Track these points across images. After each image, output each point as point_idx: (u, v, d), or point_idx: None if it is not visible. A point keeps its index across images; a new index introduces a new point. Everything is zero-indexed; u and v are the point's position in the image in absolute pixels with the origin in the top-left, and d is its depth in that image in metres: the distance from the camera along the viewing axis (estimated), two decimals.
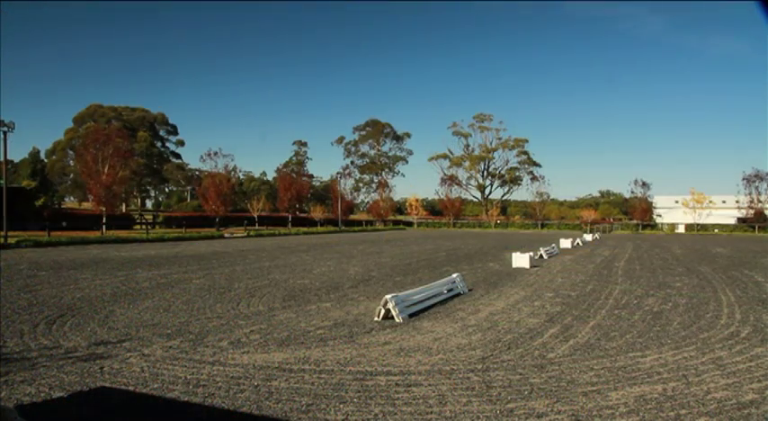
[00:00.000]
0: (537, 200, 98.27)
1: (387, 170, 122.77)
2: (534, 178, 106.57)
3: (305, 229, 68.65)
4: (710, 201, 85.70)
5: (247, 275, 19.27)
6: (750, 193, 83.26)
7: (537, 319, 11.64)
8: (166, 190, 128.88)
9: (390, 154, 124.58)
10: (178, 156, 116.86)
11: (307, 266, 22.99)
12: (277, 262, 25.01)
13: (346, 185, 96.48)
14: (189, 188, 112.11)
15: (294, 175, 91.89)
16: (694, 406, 6.32)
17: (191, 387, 6.83)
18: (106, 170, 49.51)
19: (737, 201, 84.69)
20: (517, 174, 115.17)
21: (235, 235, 53.32)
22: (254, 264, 23.49)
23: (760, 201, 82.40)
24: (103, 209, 49.90)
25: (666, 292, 15.89)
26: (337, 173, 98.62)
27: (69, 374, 7.32)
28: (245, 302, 13.58)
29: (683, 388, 6.98)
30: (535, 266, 23.48)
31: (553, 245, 35.41)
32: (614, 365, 8.05)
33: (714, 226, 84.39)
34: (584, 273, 21.12)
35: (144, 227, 56.66)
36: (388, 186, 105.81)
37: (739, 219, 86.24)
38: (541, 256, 28.56)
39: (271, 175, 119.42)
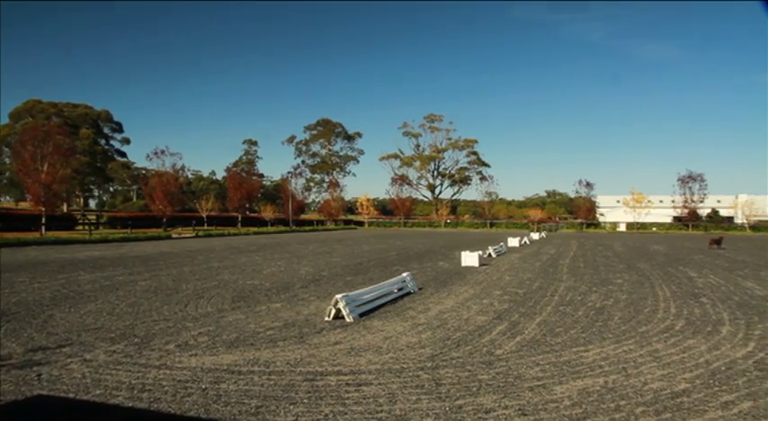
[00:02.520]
0: (486, 199, 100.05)
1: (338, 170, 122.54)
2: (483, 178, 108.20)
3: (255, 229, 67.79)
4: (649, 201, 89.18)
5: (195, 276, 18.89)
6: (684, 194, 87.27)
7: (485, 317, 11.85)
8: (111, 189, 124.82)
9: (342, 153, 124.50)
10: (123, 154, 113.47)
11: (257, 267, 22.72)
12: (226, 262, 24.62)
13: (297, 185, 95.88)
14: (135, 187, 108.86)
15: (244, 175, 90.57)
16: (633, 397, 6.59)
17: (135, 392, 6.66)
18: (45, 168, 47.46)
19: (673, 201, 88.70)
20: (467, 174, 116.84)
21: (183, 235, 52.14)
22: (202, 265, 23.05)
23: (693, 201, 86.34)
24: (43, 209, 47.87)
25: (608, 289, 16.44)
26: (288, 172, 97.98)
27: (3, 383, 7.00)
28: (193, 304, 13.32)
29: (622, 380, 7.26)
30: (484, 265, 23.88)
31: (501, 243, 36.07)
32: (559, 360, 8.29)
33: (652, 224, 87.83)
34: (531, 271, 21.61)
35: (87, 227, 54.61)
36: (339, 186, 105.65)
37: (675, 217, 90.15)
38: (490, 255, 29.03)
39: (220, 175, 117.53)
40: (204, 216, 72.42)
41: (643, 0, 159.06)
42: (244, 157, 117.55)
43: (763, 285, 17.57)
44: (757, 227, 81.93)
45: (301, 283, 17.34)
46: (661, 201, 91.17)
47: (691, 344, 9.39)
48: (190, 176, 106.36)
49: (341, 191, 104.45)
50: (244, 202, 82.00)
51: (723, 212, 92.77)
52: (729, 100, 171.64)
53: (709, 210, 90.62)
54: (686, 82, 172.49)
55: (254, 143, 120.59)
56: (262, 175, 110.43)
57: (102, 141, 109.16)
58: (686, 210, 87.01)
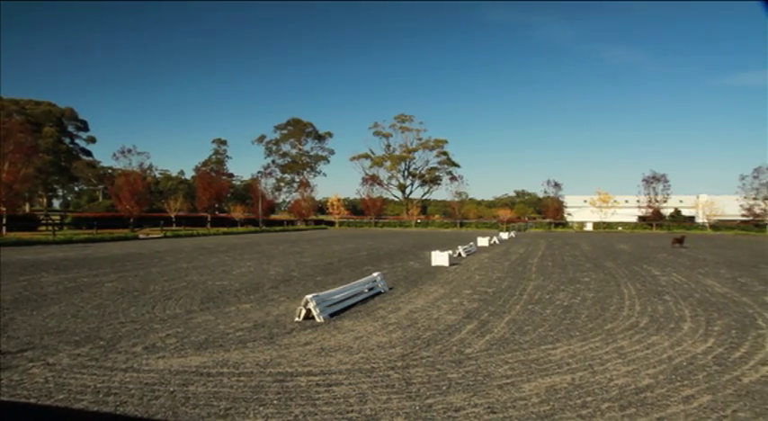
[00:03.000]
0: (456, 199, 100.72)
1: (308, 169, 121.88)
2: (453, 178, 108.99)
3: (225, 230, 66.96)
4: (615, 201, 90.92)
5: (164, 277, 18.62)
6: (649, 194, 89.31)
7: (455, 316, 11.95)
8: (76, 189, 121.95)
9: (312, 153, 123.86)
10: (89, 153, 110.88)
11: (226, 267, 22.49)
12: (195, 263, 24.31)
13: (267, 185, 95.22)
14: (101, 187, 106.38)
15: (213, 174, 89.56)
16: (599, 393, 6.73)
17: (101, 396, 6.55)
18: (6, 167, 46.15)
19: (638, 201, 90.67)
20: (437, 174, 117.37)
21: (150, 236, 51.24)
22: (170, 266, 22.73)
23: (657, 201, 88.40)
24: (3, 209, 46.56)
25: (576, 287, 16.73)
26: (258, 172, 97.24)
27: None
28: (160, 305, 13.13)
29: (589, 377, 7.41)
30: (454, 264, 24.05)
31: (471, 243, 36.36)
32: (527, 358, 8.41)
33: (618, 224, 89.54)
34: (500, 270, 21.85)
35: (50, 228, 53.32)
36: (309, 186, 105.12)
37: (640, 217, 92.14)
38: (460, 254, 29.23)
39: (189, 174, 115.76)
40: (172, 216, 71.31)
41: (612, 1, 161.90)
42: (213, 157, 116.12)
43: (722, 283, 18.08)
44: (717, 226, 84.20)
45: (271, 284, 17.23)
46: (626, 201, 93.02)
47: (654, 341, 9.62)
48: (158, 176, 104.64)
49: (311, 191, 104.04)
50: (213, 202, 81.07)
51: (685, 212, 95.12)
52: (691, 102, 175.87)
53: (672, 210, 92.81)
54: (650, 84, 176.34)
55: (224, 142, 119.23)
56: (231, 175, 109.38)
57: (67, 140, 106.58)
58: (650, 210, 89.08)
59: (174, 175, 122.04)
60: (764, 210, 73.40)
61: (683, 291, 15.88)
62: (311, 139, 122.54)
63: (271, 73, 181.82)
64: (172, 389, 6.78)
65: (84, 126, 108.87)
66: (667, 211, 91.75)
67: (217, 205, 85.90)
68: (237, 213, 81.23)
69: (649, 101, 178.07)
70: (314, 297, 11.50)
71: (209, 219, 77.06)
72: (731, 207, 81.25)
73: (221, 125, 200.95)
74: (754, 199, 74.64)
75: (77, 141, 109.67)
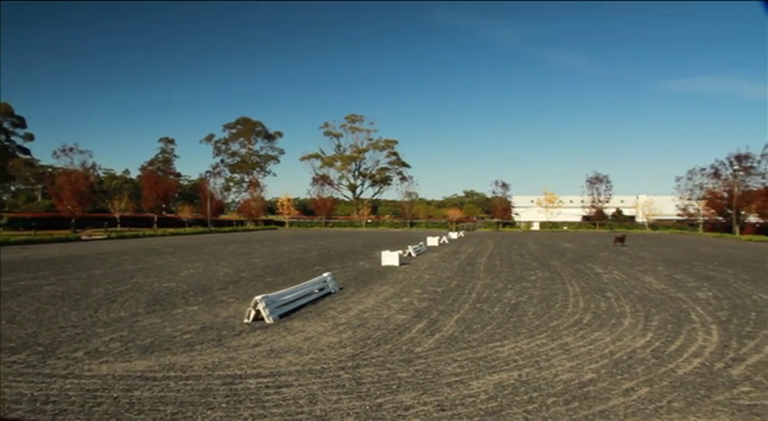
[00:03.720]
0: (406, 199, 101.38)
1: (258, 169, 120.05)
2: (403, 178, 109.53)
3: (172, 230, 65.41)
4: (560, 201, 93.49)
5: (107, 280, 18.04)
6: (592, 194, 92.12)
7: (405, 315, 12.05)
8: (12, 188, 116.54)
9: (262, 153, 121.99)
10: (26, 151, 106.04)
11: (173, 269, 21.99)
12: (141, 265, 23.66)
13: (216, 184, 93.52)
14: (40, 187, 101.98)
15: (160, 174, 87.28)
16: (544, 388, 6.92)
17: (38, 404, 6.30)
18: None
19: (582, 201, 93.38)
20: (387, 174, 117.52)
21: (94, 237, 49.54)
22: (115, 268, 22.05)
23: (600, 201, 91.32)
24: None
25: (523, 285, 17.12)
26: (207, 171, 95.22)
27: None
28: (104, 309, 12.73)
29: (535, 373, 7.61)
30: (404, 264, 24.22)
31: (421, 243, 36.69)
32: (476, 356, 8.57)
33: (563, 223, 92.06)
34: (449, 270, 22.13)
35: None
36: (259, 186, 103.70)
37: (584, 216, 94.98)
38: (410, 254, 29.45)
39: (135, 174, 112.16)
40: (117, 217, 69.25)
41: (559, 0, 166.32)
42: (160, 156, 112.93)
43: (660, 280, 18.85)
44: (655, 225, 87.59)
45: (220, 285, 16.95)
46: (571, 201, 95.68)
47: (597, 337, 9.96)
48: (101, 175, 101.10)
49: (261, 191, 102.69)
50: (160, 203, 79.11)
51: (626, 212, 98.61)
52: (631, 106, 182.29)
53: (613, 210, 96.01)
54: (592, 88, 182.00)
55: (171, 141, 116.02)
56: (179, 175, 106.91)
57: (2, 137, 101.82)
58: (594, 210, 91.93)
59: (118, 175, 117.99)
60: (697, 210, 76.68)
61: (624, 288, 16.48)
62: (261, 139, 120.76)
63: (219, 71, 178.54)
64: (115, 395, 6.59)
65: (21, 122, 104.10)
66: (609, 211, 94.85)
67: (164, 205, 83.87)
68: (185, 214, 79.50)
69: (592, 104, 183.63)
70: (263, 298, 11.39)
71: (155, 220, 75.09)
72: (668, 207, 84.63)
73: (168, 123, 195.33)
74: (689, 199, 77.88)
75: (13, 138, 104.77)
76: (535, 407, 6.27)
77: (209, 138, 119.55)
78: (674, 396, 6.67)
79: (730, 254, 33.59)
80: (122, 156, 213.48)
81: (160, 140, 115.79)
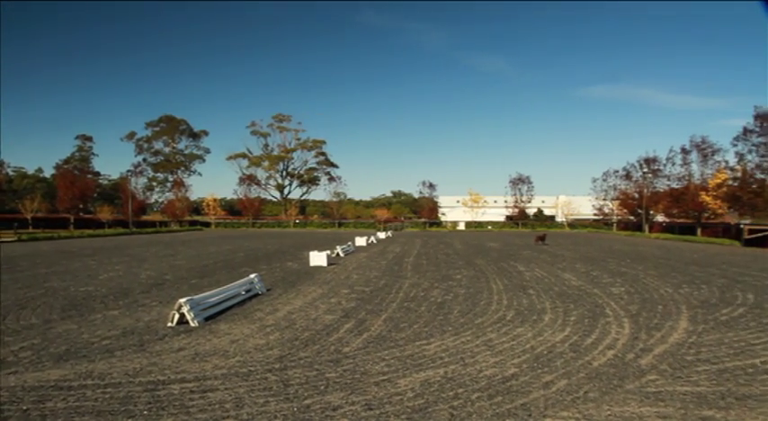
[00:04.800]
0: (334, 199, 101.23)
1: (183, 169, 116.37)
2: (332, 178, 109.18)
3: (90, 232, 62.26)
4: (485, 201, 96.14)
5: (17, 285, 17.00)
6: (515, 194, 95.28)
7: (333, 316, 12.05)
8: None
9: (187, 152, 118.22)
10: None
11: (92, 272, 20.99)
12: (56, 268, 22.43)
13: (138, 184, 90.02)
14: None
15: (77, 173, 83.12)
16: (469, 384, 7.12)
17: None
18: None
19: (506, 201, 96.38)
20: (315, 174, 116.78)
21: (2, 239, 46.53)
22: (26, 272, 20.80)
23: (522, 201, 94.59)
24: None
25: (449, 284, 17.48)
26: (128, 171, 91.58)
27: None
28: (13, 316, 11.99)
29: (460, 369, 7.82)
30: (332, 264, 24.19)
31: (349, 243, 36.75)
32: (403, 354, 8.69)
33: (488, 223, 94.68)
34: (377, 269, 22.29)
35: None
36: (184, 185, 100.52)
37: (507, 216, 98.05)
38: (338, 254, 29.45)
39: (49, 172, 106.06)
40: (29, 217, 65.37)
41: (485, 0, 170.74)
42: (77, 154, 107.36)
43: (577, 276, 19.75)
44: (573, 224, 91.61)
45: (142, 288, 16.34)
46: (495, 201, 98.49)
47: (519, 333, 10.33)
48: (11, 173, 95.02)
49: (186, 191, 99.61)
50: (77, 203, 75.36)
51: (547, 211, 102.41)
52: (550, 110, 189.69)
53: (535, 210, 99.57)
54: (514, 91, 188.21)
55: (89, 139, 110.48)
56: (98, 174, 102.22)
57: None
58: (516, 210, 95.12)
59: (30, 173, 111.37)
60: (612, 210, 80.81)
61: (545, 285, 17.15)
62: (185, 137, 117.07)
63: (140, 67, 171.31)
64: (25, 408, 6.25)
65: None
66: (531, 211, 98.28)
67: (81, 206, 79.83)
68: (105, 214, 76.04)
69: (515, 106, 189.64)
70: (188, 300, 11.10)
71: (72, 221, 71.42)
72: (585, 207, 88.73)
73: (86, 120, 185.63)
74: (604, 199, 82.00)
75: None
76: (460, 402, 6.44)
77: (131, 135, 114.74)
78: (589, 386, 7.04)
79: (640, 251, 35.59)
80: (35, 155, 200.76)
81: (77, 138, 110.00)
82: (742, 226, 48.07)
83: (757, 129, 46.57)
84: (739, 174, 50.06)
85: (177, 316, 10.99)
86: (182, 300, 11.06)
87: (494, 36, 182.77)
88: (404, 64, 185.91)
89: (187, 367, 7.93)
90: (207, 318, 11.47)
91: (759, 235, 44.44)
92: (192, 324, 10.89)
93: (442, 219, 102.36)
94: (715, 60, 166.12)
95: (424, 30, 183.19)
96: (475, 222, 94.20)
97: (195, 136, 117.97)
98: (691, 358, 8.58)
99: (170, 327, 10.73)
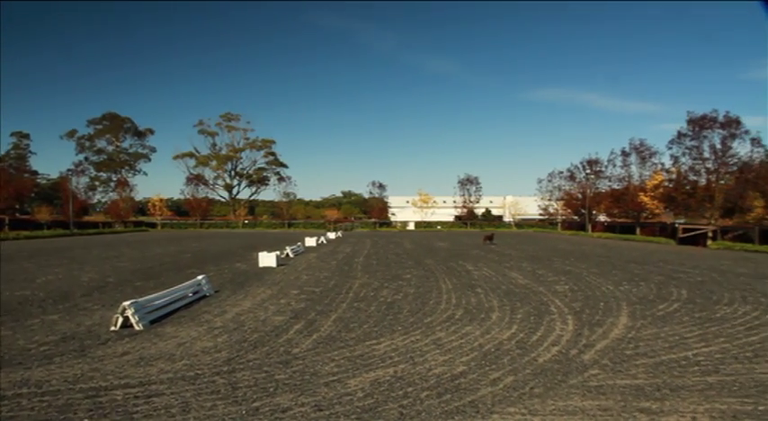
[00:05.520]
0: (284, 200, 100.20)
1: (127, 168, 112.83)
2: (281, 178, 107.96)
3: (27, 233, 59.58)
4: (434, 202, 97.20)
5: None
6: (464, 195, 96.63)
7: (283, 317, 11.96)
8: None
9: (131, 151, 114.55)
10: None
11: (28, 275, 20.12)
12: None
13: (79, 184, 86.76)
14: None
15: (12, 171, 79.42)
16: (419, 383, 7.20)
17: None
18: None
19: (455, 201, 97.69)
20: (265, 174, 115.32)
21: None
22: None
23: (470, 201, 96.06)
24: None
25: (399, 284, 17.60)
26: (68, 170, 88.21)
27: None
28: None
29: (410, 368, 7.89)
30: (282, 265, 23.99)
31: (299, 243, 36.49)
32: (353, 354, 8.71)
33: (437, 223, 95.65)
34: (327, 270, 22.23)
35: None
36: (128, 185, 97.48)
37: (456, 216, 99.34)
38: (288, 255, 29.23)
39: None
40: None
41: None
42: (12, 152, 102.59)
43: (524, 275, 20.21)
44: (520, 224, 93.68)
45: (83, 292, 15.78)
46: (444, 202, 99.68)
47: (468, 331, 10.50)
48: None
49: (131, 190, 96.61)
50: (12, 203, 71.94)
51: (495, 211, 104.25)
52: (497, 111, 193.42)
53: (483, 210, 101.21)
54: (462, 93, 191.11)
55: (26, 136, 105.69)
56: (36, 173, 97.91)
57: None
58: (465, 210, 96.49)
59: None
60: (556, 210, 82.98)
61: (492, 284, 17.48)
62: (130, 136, 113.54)
63: (82, 63, 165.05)
64: None
65: None
66: (480, 211, 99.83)
67: (17, 206, 76.36)
68: (43, 215, 72.90)
69: (464, 108, 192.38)
70: (132, 303, 10.80)
71: (6, 222, 68.21)
72: (531, 207, 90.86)
73: (22, 117, 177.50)
74: (549, 200, 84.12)
75: None
76: (410, 401, 6.51)
77: (72, 134, 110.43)
78: (535, 382, 7.23)
79: (584, 250, 36.71)
80: None
81: (12, 135, 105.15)
82: (677, 225, 50.27)
83: (690, 134, 48.68)
84: (674, 176, 52.15)
85: (121, 319, 10.68)
86: (126, 303, 10.75)
87: (442, 38, 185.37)
88: (353, 64, 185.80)
89: (131, 372, 7.72)
90: (152, 321, 11.19)
91: (692, 234, 46.58)
92: (136, 327, 10.60)
93: (392, 219, 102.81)
94: (653, 67, 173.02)
95: (373, 30, 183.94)
96: (424, 222, 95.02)
97: (140, 134, 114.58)
98: (630, 352, 8.92)
99: (113, 332, 10.42)
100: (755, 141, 46.11)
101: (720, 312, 12.72)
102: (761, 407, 6.37)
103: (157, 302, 12.03)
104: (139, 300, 11.36)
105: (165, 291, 13.14)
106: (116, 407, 6.29)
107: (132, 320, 10.66)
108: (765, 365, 8.21)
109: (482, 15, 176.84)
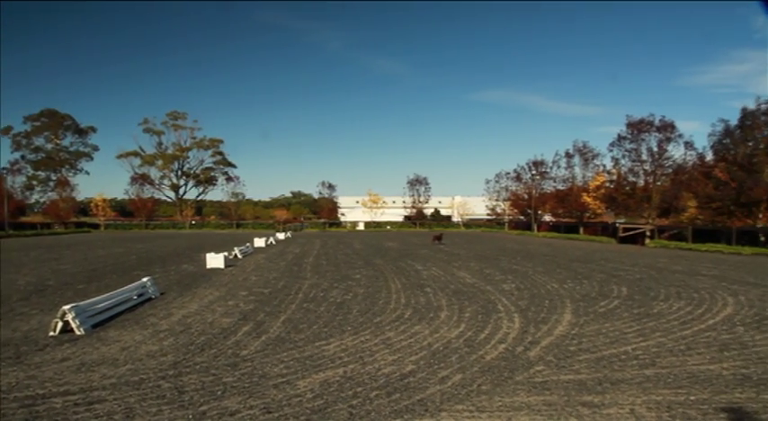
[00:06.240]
0: (232, 200, 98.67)
1: (68, 167, 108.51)
2: (229, 178, 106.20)
3: None
4: (384, 202, 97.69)
5: None
6: (413, 195, 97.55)
7: (231, 319, 11.80)
8: None
9: (72, 149, 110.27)
10: None
11: None
12: None
13: (15, 183, 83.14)
14: None
15: None
16: (368, 382, 7.24)
17: None
18: None
19: (404, 202, 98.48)
20: (212, 174, 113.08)
21: None
22: None
23: (420, 202, 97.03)
24: None
25: (348, 284, 17.61)
26: (3, 168, 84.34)
27: None
28: None
29: (359, 368, 7.92)
30: (230, 266, 23.63)
31: (248, 244, 36.01)
32: (302, 355, 8.68)
33: (387, 223, 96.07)
34: (276, 271, 22.02)
35: None
36: (69, 185, 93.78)
37: (405, 216, 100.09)
38: (236, 256, 28.82)
39: None
40: None
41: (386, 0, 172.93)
42: None
43: (472, 274, 20.56)
44: (468, 224, 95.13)
45: (20, 296, 15.12)
46: (394, 202, 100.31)
47: (417, 330, 10.61)
48: None
49: (71, 190, 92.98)
50: None
51: (443, 212, 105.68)
52: (445, 112, 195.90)
53: (432, 210, 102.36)
54: (411, 94, 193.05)
55: None
56: None
57: None
58: (414, 210, 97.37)
59: None
60: (503, 210, 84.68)
61: (441, 283, 17.70)
62: (71, 134, 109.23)
63: (19, 57, 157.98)
64: None
65: None
66: (429, 211, 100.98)
67: None
68: None
69: (412, 109, 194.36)
70: (73, 307, 10.44)
71: None
72: (479, 207, 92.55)
73: None
74: (496, 200, 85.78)
75: None
76: (359, 401, 6.54)
77: (7, 130, 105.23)
78: (482, 380, 7.38)
79: (530, 249, 37.58)
80: None
81: None
82: (617, 225, 52.05)
83: (629, 137, 50.57)
84: (615, 177, 54.05)
85: (61, 324, 10.31)
86: (66, 307, 10.38)
87: (391, 39, 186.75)
88: (302, 63, 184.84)
89: (71, 378, 7.47)
90: (95, 326, 10.85)
91: (631, 233, 48.34)
92: (77, 332, 10.25)
93: (342, 219, 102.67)
94: (595, 70, 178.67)
95: (322, 30, 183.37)
96: (374, 222, 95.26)
97: (81, 132, 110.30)
98: (573, 348, 9.22)
99: (52, 337, 10.04)
100: (688, 145, 48.41)
101: (657, 308, 13.28)
102: (692, 397, 6.70)
103: (100, 306, 11.66)
104: (81, 303, 10.99)
105: (108, 294, 12.75)
106: (54, 415, 6.07)
107: (73, 325, 10.30)
108: (697, 358, 8.64)
109: (430, 17, 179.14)
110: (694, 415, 6.15)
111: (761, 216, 40.71)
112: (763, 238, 37.92)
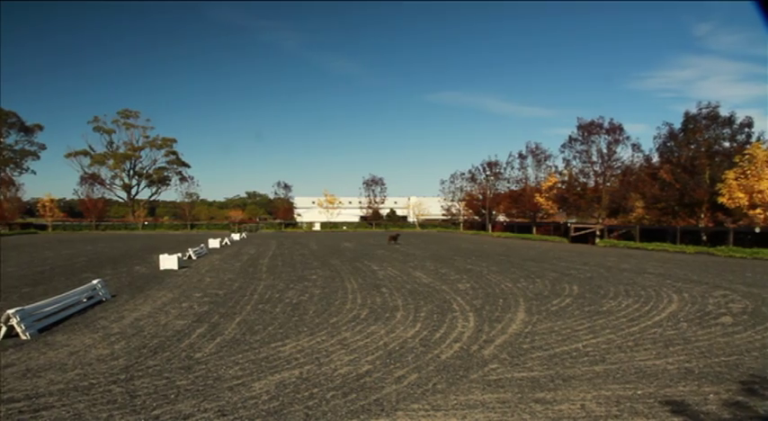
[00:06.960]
0: (186, 200, 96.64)
1: (12, 166, 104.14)
2: (183, 179, 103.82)
3: None
4: (340, 202, 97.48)
5: None
6: (369, 195, 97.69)
7: (185, 321, 11.61)
8: None
9: (17, 147, 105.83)
10: None
11: None
12: None
13: None
14: None
15: None
16: (324, 383, 7.25)
17: None
18: None
19: (360, 202, 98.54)
20: (166, 174, 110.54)
21: None
22: None
23: (376, 202, 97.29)
24: None
25: (304, 285, 17.54)
26: None
27: None
28: None
29: (315, 369, 7.93)
30: (184, 267, 23.20)
31: (202, 245, 35.43)
32: (258, 357, 8.62)
33: (343, 223, 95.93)
34: (231, 272, 21.74)
35: None
36: (13, 184, 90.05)
37: (362, 217, 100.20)
38: (190, 257, 28.31)
39: None
40: None
41: None
42: None
43: (427, 274, 20.75)
44: (424, 224, 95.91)
45: None
46: (350, 202, 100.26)
47: (373, 330, 10.67)
48: None
49: (17, 190, 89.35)
50: None
51: (399, 212, 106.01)
52: (402, 113, 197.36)
53: (388, 210, 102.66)
54: (367, 95, 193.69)
55: None
56: None
57: None
58: (370, 210, 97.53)
59: None
60: (458, 210, 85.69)
61: (397, 283, 17.82)
62: (15, 132, 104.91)
63: None
64: None
65: None
66: (385, 211, 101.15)
67: None
68: None
69: (368, 110, 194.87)
70: (17, 311, 10.09)
71: None
72: (435, 207, 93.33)
73: None
74: (451, 201, 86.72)
75: None
76: (315, 402, 6.55)
77: None
78: (438, 378, 7.48)
79: (484, 249, 38.15)
80: None
81: None
82: (569, 224, 53.32)
83: (580, 138, 51.94)
84: (566, 178, 55.39)
85: (5, 329, 9.95)
86: (10, 311, 10.02)
87: (346, 39, 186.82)
88: (257, 63, 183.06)
89: (16, 385, 7.23)
90: (41, 330, 10.51)
91: (582, 232, 49.62)
92: (23, 337, 9.92)
93: (298, 219, 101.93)
94: (546, 73, 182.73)
95: (277, 29, 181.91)
96: (330, 223, 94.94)
97: (27, 130, 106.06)
98: (527, 346, 9.44)
99: None
100: (636, 147, 50.00)
101: (606, 306, 13.70)
102: (639, 392, 6.97)
103: (47, 309, 11.30)
104: (26, 307, 10.63)
105: (55, 297, 12.35)
106: None
107: (18, 329, 9.96)
108: (644, 353, 8.97)
109: (385, 17, 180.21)
110: (641, 408, 6.40)
111: (702, 216, 42.42)
112: (705, 237, 39.57)
